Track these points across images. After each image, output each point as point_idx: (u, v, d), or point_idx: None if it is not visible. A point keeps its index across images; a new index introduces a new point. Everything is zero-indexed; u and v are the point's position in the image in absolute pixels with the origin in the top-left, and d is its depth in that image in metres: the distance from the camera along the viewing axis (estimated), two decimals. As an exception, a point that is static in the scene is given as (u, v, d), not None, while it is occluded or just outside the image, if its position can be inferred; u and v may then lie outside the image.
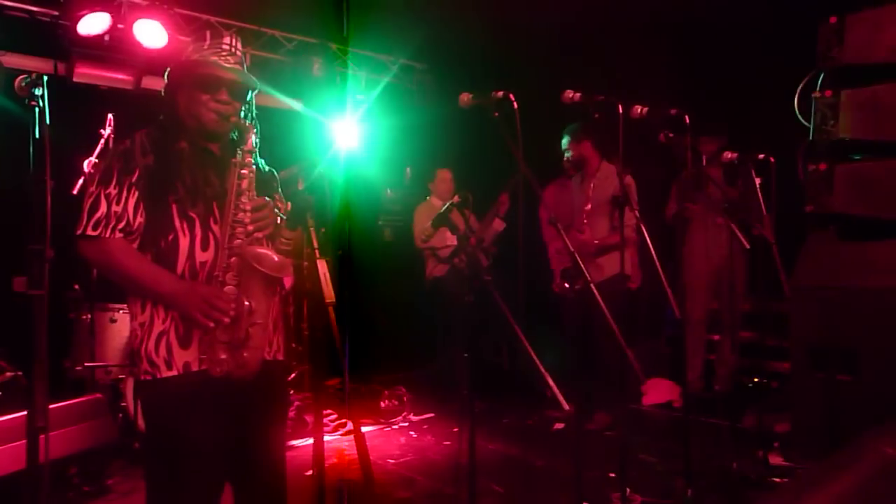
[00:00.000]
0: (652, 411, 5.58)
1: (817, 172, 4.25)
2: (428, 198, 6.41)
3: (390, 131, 7.29)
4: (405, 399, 5.68)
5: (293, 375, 5.64)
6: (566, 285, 4.94)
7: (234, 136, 2.34)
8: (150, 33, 5.47)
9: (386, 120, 7.29)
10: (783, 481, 3.90)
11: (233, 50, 2.33)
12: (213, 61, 2.28)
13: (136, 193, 2.19)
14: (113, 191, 2.17)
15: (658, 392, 5.75)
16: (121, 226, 2.17)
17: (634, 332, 5.94)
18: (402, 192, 7.47)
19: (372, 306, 6.67)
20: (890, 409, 3.17)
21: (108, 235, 2.16)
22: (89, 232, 2.16)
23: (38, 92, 2.21)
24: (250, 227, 2.24)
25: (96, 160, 4.44)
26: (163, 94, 2.36)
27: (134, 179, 2.18)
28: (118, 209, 2.17)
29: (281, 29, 6.56)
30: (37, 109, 2.22)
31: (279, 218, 2.39)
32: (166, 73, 2.35)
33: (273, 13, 6.30)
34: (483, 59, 6.55)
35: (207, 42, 2.32)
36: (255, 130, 2.29)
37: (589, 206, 5.08)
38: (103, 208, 2.16)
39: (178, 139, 2.29)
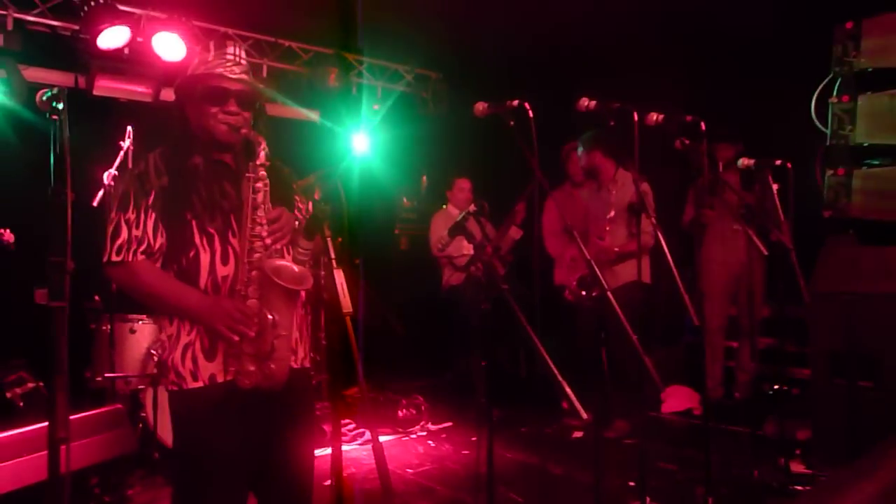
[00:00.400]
0: (671, 419, 5.55)
1: (835, 178, 4.23)
2: (445, 206, 6.42)
3: (406, 140, 7.31)
4: (423, 408, 5.67)
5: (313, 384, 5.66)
6: (583, 293, 4.93)
7: (246, 147, 2.34)
8: (169, 46, 5.53)
9: (402, 129, 7.31)
10: (805, 489, 3.86)
11: (237, 59, 2.34)
12: (218, 73, 2.30)
13: (154, 215, 2.23)
14: (132, 215, 2.22)
15: (677, 399, 5.71)
16: (142, 248, 2.22)
17: (653, 339, 5.91)
18: (418, 200, 7.48)
19: (389, 315, 6.68)
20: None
21: (130, 259, 2.22)
22: (114, 258, 2.22)
23: (58, 105, 2.24)
24: (268, 241, 2.26)
25: (116, 172, 4.48)
26: (173, 110, 2.39)
27: (150, 202, 2.22)
28: (138, 233, 2.22)
29: (297, 40, 6.61)
30: (58, 123, 2.24)
31: (297, 223, 2.41)
32: (174, 90, 2.37)
33: (289, 25, 6.34)
34: (498, 68, 6.56)
35: (211, 54, 2.34)
36: (264, 142, 2.29)
37: (613, 213, 5.07)
38: (124, 234, 2.21)
39: (191, 155, 2.32)
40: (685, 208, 5.67)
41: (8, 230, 4.07)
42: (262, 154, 2.27)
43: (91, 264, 2.34)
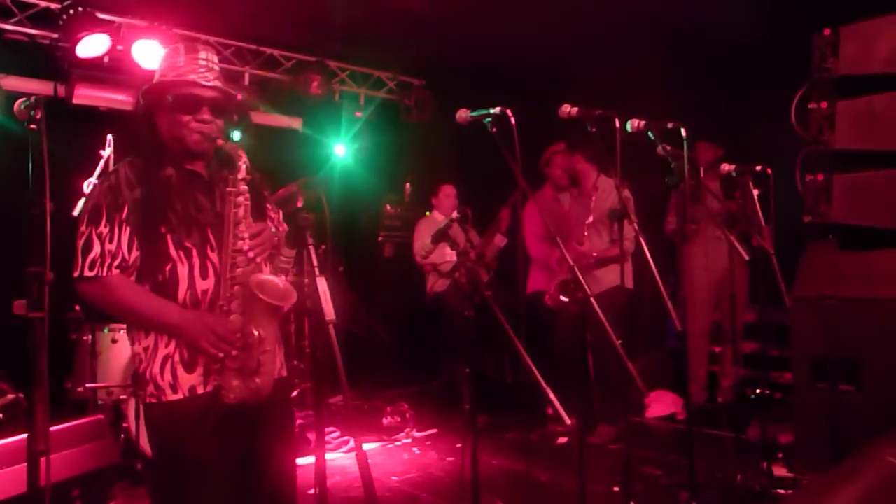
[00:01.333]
0: (655, 424, 5.56)
1: (815, 183, 4.27)
2: (429, 213, 6.42)
3: (389, 147, 7.31)
4: (408, 415, 5.66)
5: (295, 393, 5.63)
6: (563, 298, 4.94)
7: (220, 156, 2.31)
8: (149, 54, 5.50)
9: (384, 136, 7.31)
10: (787, 493, 3.88)
11: (210, 65, 2.29)
12: (191, 80, 2.24)
13: (128, 229, 2.17)
14: (104, 229, 2.15)
15: (661, 404, 5.73)
16: (116, 262, 2.16)
17: (637, 345, 5.93)
18: (401, 207, 7.48)
19: (373, 323, 6.66)
20: (893, 419, 3.17)
21: (104, 274, 2.15)
22: (86, 273, 2.15)
23: (37, 115, 2.21)
24: (251, 255, 2.22)
25: (96, 181, 4.44)
26: (141, 119, 2.32)
27: (124, 216, 2.17)
28: (112, 247, 2.15)
29: (279, 48, 6.59)
30: (36, 132, 2.22)
31: (276, 237, 2.39)
32: (140, 96, 2.30)
33: (271, 32, 6.33)
34: (480, 75, 6.57)
35: (182, 59, 2.27)
36: (245, 156, 2.24)
37: (591, 219, 5.10)
38: (97, 248, 2.15)
39: (162, 166, 2.26)
40: (667, 216, 5.70)
41: None
42: (243, 167, 2.23)
43: (71, 275, 2.31)
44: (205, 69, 2.27)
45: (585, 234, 5.12)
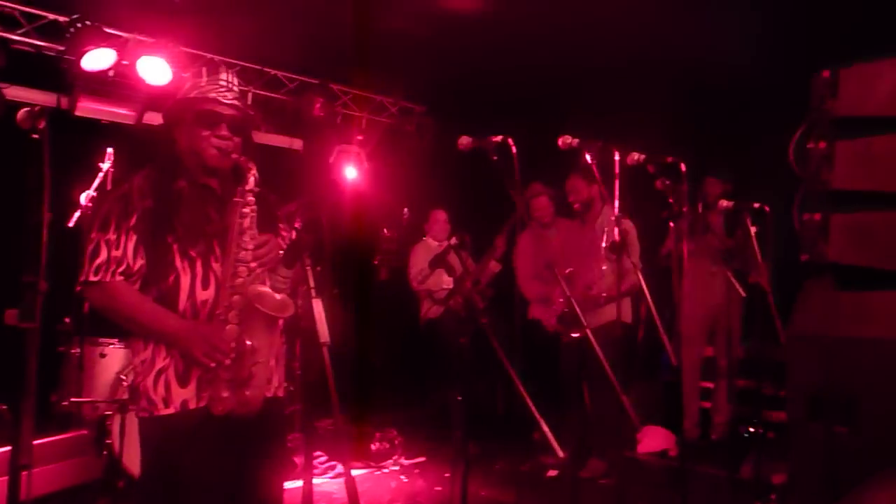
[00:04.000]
0: (647, 459, 5.51)
1: (812, 222, 4.27)
2: (423, 238, 6.41)
3: (389, 171, 7.32)
4: (396, 442, 5.59)
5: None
6: (562, 330, 4.89)
7: (234, 172, 2.35)
8: (154, 70, 5.52)
9: (385, 160, 7.32)
10: (780, 534, 3.84)
11: (230, 86, 2.38)
12: (212, 97, 2.32)
13: (135, 237, 2.22)
14: (112, 236, 2.21)
15: (653, 440, 5.68)
16: (121, 269, 2.21)
17: (631, 377, 5.88)
18: (399, 231, 7.47)
19: (366, 346, 6.62)
20: (889, 461, 3.14)
21: (108, 279, 2.20)
22: (91, 278, 2.20)
23: (40, 125, 2.21)
24: (253, 265, 2.26)
25: (94, 194, 4.43)
26: (161, 132, 2.40)
27: (132, 224, 2.22)
28: (118, 254, 2.20)
29: (282, 69, 6.63)
30: (38, 142, 2.21)
31: (281, 251, 2.40)
32: (164, 112, 2.40)
33: (275, 53, 6.36)
34: (482, 102, 6.61)
35: (205, 79, 2.37)
36: (254, 168, 2.31)
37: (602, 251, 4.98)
38: (103, 254, 2.20)
39: (176, 178, 2.32)
40: (665, 242, 5.67)
41: None
42: (252, 180, 2.28)
43: (63, 286, 2.29)
44: (225, 89, 2.36)
45: (604, 267, 4.94)
